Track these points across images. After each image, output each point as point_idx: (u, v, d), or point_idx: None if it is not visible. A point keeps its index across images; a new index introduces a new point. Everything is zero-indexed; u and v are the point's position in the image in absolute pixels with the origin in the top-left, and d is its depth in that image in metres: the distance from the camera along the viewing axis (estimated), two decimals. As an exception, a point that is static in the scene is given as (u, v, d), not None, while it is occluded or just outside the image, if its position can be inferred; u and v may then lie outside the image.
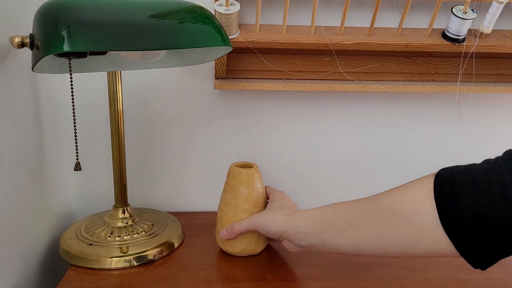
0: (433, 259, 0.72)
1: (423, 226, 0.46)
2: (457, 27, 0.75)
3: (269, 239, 0.71)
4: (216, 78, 0.81)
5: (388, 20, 0.81)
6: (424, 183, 0.48)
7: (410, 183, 0.50)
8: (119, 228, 0.72)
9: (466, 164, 0.47)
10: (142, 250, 0.68)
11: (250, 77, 0.83)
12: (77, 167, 0.59)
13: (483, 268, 0.45)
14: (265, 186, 0.73)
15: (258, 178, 0.70)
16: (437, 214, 0.45)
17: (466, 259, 0.45)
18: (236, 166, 0.70)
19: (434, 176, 0.48)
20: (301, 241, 0.59)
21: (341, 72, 0.83)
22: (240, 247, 0.69)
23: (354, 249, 0.54)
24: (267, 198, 0.72)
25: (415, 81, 0.86)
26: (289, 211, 0.63)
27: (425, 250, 0.48)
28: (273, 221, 0.62)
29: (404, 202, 0.49)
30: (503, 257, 0.44)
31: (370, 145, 0.91)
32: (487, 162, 0.45)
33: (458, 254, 0.45)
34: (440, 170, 0.48)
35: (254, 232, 0.68)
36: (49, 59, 0.58)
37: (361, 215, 0.53)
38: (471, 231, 0.43)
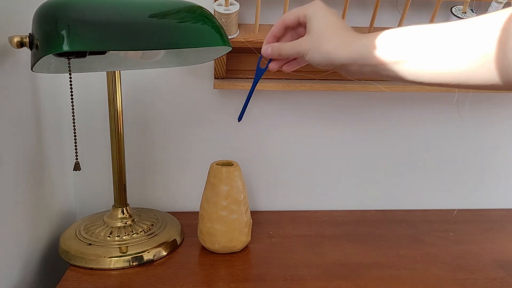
0: (433, 259, 0.72)
1: None
2: (457, 27, 0.75)
3: (252, 224, 0.73)
4: (215, 78, 0.81)
5: (388, 20, 0.81)
6: None
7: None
8: (119, 228, 0.72)
9: None
10: (142, 250, 0.68)
11: (250, 77, 0.83)
12: (77, 167, 0.59)
13: None
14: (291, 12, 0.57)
15: (239, 176, 0.71)
16: None
17: None
18: (216, 164, 0.71)
19: None
20: (365, 72, 0.51)
21: (341, 72, 0.83)
22: (220, 244, 0.70)
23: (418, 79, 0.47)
24: (300, 22, 0.56)
25: (415, 81, 0.86)
26: (344, 37, 0.52)
27: None
28: (327, 53, 0.52)
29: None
30: None
31: (370, 145, 0.91)
32: None
33: None
34: None
35: (234, 230, 0.69)
36: (49, 59, 0.58)
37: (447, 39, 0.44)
38: None
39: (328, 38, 0.52)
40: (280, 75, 0.83)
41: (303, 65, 0.59)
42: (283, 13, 0.73)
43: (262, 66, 0.61)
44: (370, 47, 0.49)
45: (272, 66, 0.60)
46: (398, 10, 0.79)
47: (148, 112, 0.85)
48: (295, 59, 0.59)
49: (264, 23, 0.79)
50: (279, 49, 0.57)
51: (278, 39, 0.59)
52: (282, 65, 0.60)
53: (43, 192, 0.72)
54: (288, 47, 0.56)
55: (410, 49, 0.47)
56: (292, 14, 0.56)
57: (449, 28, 0.44)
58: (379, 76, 0.51)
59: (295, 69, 0.60)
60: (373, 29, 0.76)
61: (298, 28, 0.57)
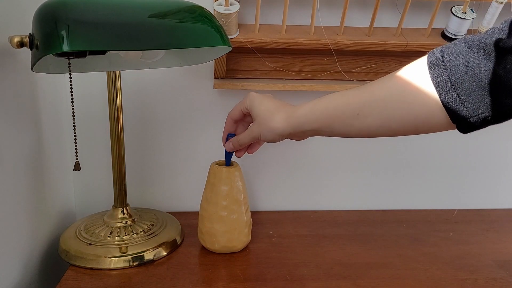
0: (433, 259, 0.72)
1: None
2: (457, 27, 0.75)
3: (252, 224, 0.74)
4: (215, 78, 0.81)
5: (388, 20, 0.81)
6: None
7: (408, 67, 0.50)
8: (119, 228, 0.72)
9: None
10: (142, 250, 0.68)
11: (250, 77, 0.83)
12: (77, 167, 0.59)
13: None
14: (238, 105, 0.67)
15: (239, 176, 0.71)
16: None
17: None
18: (216, 164, 0.71)
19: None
20: (309, 136, 0.61)
21: (341, 72, 0.83)
22: (220, 244, 0.70)
23: (363, 134, 0.54)
24: (244, 113, 0.66)
25: (415, 81, 0.86)
26: (283, 113, 0.61)
27: (435, 127, 0.49)
28: (274, 129, 0.61)
29: (414, 85, 0.48)
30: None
31: (370, 145, 0.91)
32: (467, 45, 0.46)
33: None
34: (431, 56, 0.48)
35: (234, 230, 0.69)
36: (49, 59, 0.58)
37: (370, 103, 0.52)
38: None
39: (272, 118, 0.61)
40: (280, 75, 0.83)
41: (262, 144, 0.70)
42: (283, 13, 0.73)
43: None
44: (304, 116, 0.58)
45: (238, 154, 0.70)
46: (398, 10, 0.79)
47: (148, 112, 0.85)
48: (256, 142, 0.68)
49: (264, 23, 0.79)
50: (238, 141, 0.67)
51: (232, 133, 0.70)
52: (247, 150, 0.70)
53: (43, 192, 0.72)
54: (244, 136, 0.66)
55: (326, 118, 0.56)
56: (236, 110, 0.66)
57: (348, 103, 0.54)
58: (322, 135, 0.59)
59: (257, 149, 0.70)
60: (373, 29, 0.76)
61: (245, 118, 0.67)
